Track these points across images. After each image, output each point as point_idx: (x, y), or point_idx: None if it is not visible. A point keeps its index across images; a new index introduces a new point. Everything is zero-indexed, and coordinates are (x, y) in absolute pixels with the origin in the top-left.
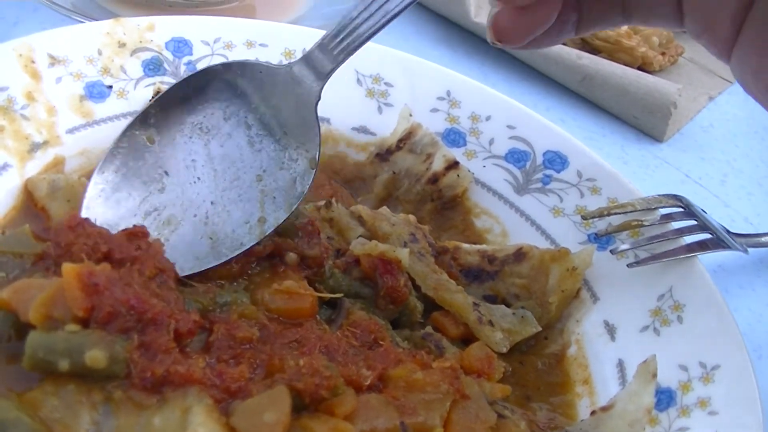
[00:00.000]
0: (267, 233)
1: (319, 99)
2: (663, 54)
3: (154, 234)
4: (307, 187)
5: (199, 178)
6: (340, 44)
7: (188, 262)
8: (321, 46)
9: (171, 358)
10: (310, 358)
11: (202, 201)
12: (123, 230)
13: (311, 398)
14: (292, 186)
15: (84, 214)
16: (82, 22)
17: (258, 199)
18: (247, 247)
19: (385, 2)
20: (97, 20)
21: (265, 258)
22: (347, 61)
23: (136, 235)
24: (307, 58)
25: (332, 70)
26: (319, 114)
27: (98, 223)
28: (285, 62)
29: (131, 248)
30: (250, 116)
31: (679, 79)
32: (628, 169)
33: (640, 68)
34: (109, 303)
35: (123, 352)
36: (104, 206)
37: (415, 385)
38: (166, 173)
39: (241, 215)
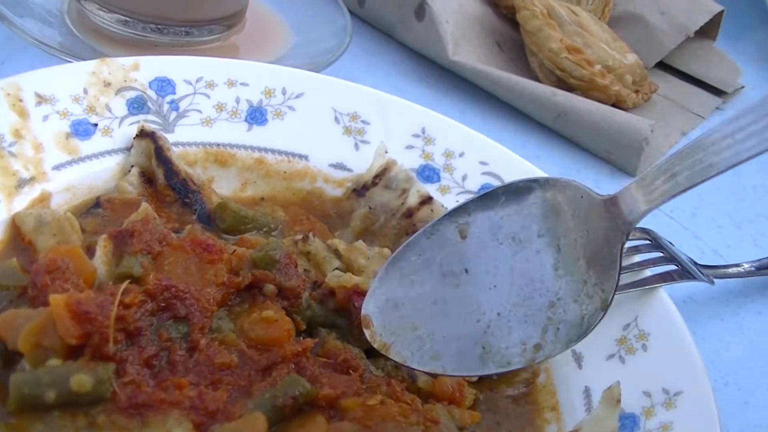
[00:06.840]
0: (537, 361)
1: (626, 241)
2: (636, 92)
3: (426, 321)
4: (592, 329)
5: (495, 286)
6: (663, 184)
7: (450, 357)
8: (641, 182)
9: (152, 383)
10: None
11: (490, 310)
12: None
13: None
14: (579, 323)
15: (377, 284)
16: (70, 61)
17: (542, 325)
18: (514, 368)
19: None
20: (84, 60)
21: (244, 289)
22: (325, 99)
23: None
24: (623, 194)
25: (646, 212)
26: (297, 151)
27: (384, 297)
28: (265, 101)
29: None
30: (563, 240)
31: (652, 115)
32: None
33: (614, 106)
34: (105, 326)
35: (106, 373)
36: (398, 282)
37: (386, 414)
38: (466, 271)
39: (520, 336)
